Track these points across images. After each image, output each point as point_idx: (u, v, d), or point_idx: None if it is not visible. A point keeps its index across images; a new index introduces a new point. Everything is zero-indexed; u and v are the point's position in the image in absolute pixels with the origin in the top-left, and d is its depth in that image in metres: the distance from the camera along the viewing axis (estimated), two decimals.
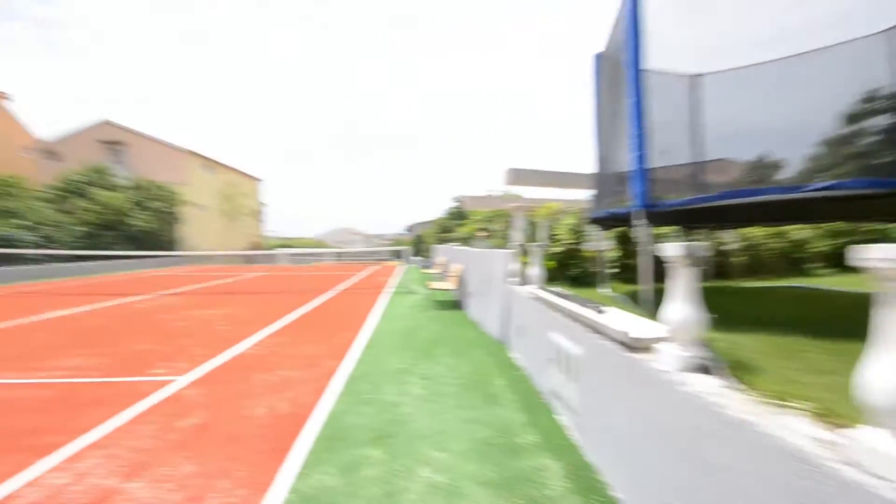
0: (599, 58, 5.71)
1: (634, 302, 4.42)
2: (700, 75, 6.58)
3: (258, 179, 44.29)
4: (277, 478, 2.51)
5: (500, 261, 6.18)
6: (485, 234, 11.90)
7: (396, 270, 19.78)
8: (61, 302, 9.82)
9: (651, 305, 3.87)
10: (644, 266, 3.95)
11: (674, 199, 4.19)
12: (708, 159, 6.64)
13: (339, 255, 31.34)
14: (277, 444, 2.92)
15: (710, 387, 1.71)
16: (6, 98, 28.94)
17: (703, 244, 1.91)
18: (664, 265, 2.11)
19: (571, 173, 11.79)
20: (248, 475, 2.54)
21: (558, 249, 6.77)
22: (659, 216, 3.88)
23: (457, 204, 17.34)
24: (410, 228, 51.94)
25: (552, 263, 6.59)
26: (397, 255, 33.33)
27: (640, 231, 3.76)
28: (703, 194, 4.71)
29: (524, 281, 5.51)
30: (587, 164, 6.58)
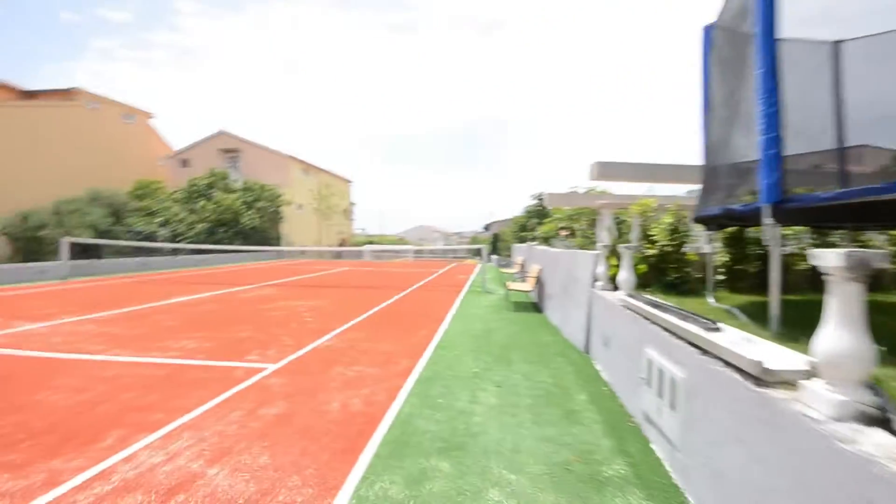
0: (710, 30, 4.93)
1: (752, 317, 3.70)
2: (841, 42, 5.41)
3: (349, 181, 47.34)
4: (344, 480, 2.46)
5: (584, 263, 5.68)
6: (567, 233, 11.21)
7: (474, 269, 19.69)
8: (183, 289, 11.30)
9: (778, 323, 3.18)
10: (773, 274, 3.26)
11: (808, 192, 3.40)
12: (850, 145, 5.45)
13: (418, 252, 32.16)
14: (348, 443, 2.90)
15: (893, 449, 1.24)
16: (151, 116, 34.48)
17: (879, 251, 1.40)
18: (791, 273, 1.62)
19: (669, 165, 10.60)
20: (318, 474, 2.52)
21: (653, 251, 6.03)
22: (792, 214, 3.16)
23: (537, 201, 16.66)
24: (488, 227, 51.66)
25: (643, 267, 5.89)
26: (475, 253, 33.26)
27: (768, 231, 3.09)
28: (847, 187, 3.80)
29: (612, 286, 4.97)
30: (688, 154, 5.75)
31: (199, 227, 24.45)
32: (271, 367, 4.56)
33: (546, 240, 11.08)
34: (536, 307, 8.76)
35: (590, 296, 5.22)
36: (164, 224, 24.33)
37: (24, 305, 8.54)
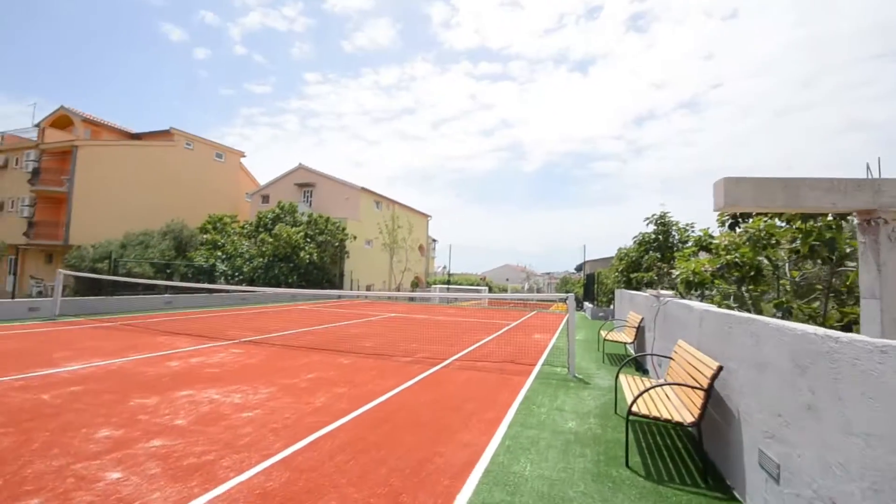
0: None
1: None
2: None
3: (427, 215, 44.99)
4: None
5: None
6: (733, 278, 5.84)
7: (560, 322, 14.30)
8: (93, 350, 8.18)
9: None
10: None
11: None
12: None
13: (491, 296, 27.30)
14: None
15: None
16: (242, 155, 36.01)
17: None
18: None
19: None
20: None
21: None
22: None
23: (656, 227, 11.10)
24: (581, 266, 44.75)
25: None
26: (567, 299, 27.17)
27: None
28: None
29: None
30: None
31: (257, 261, 22.89)
32: None
33: (692, 287, 5.77)
34: (698, 447, 3.58)
35: None
36: (227, 258, 23.33)
37: None
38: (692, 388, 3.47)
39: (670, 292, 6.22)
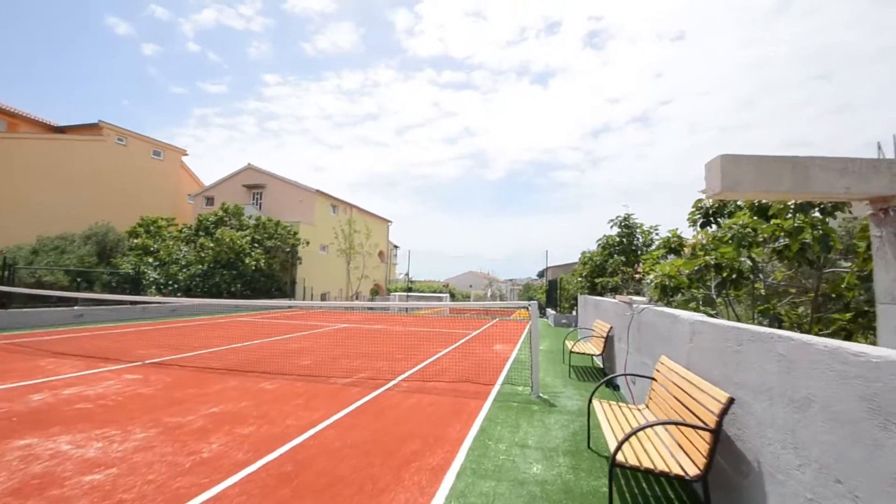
0: None
1: None
2: None
3: (387, 220, 43.65)
4: None
5: None
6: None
7: (523, 331, 13.56)
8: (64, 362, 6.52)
9: None
10: None
11: None
12: None
13: (452, 304, 26.47)
14: None
15: None
16: (184, 154, 33.27)
17: None
18: None
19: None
20: None
21: None
22: None
23: (620, 229, 10.60)
24: (542, 273, 44.89)
25: None
26: (529, 306, 26.71)
27: None
28: None
29: None
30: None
31: (195, 268, 20.75)
32: None
33: (667, 293, 5.06)
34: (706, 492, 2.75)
35: None
36: (160, 265, 20.98)
37: None
38: (692, 427, 2.62)
39: (642, 298, 5.50)
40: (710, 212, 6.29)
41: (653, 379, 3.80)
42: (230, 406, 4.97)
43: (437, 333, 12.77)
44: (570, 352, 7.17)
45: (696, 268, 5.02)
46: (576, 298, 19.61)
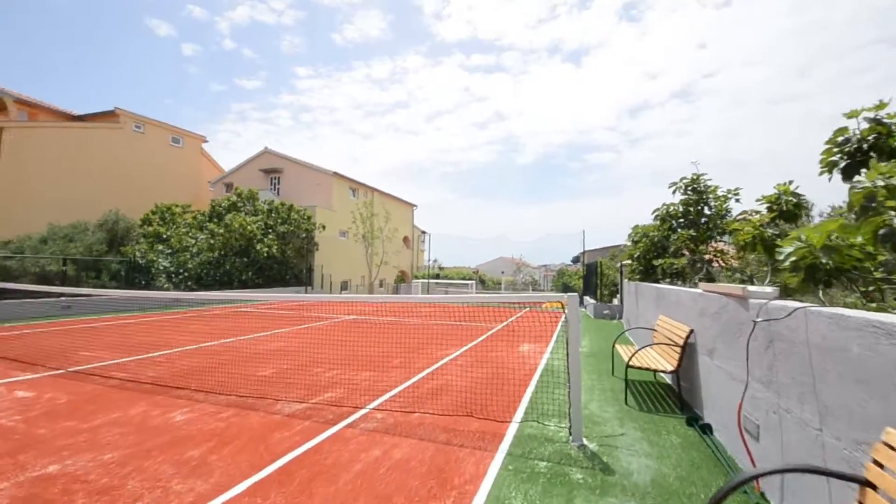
0: None
1: None
2: None
3: (412, 205, 41.82)
4: None
5: None
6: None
7: (556, 323, 11.28)
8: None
9: None
10: None
11: None
12: None
13: (468, 298, 24.35)
14: None
15: None
16: (203, 141, 32.62)
17: None
18: None
19: None
20: None
21: None
22: None
23: (685, 196, 8.07)
24: (578, 258, 41.71)
25: None
26: (566, 292, 24.25)
27: None
28: None
29: None
30: None
31: (205, 256, 19.70)
32: None
33: (815, 276, 2.70)
34: None
35: None
36: (172, 253, 20.10)
37: None
38: None
39: (766, 289, 3.19)
40: (865, 147, 3.80)
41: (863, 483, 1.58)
42: (84, 459, 3.15)
43: (455, 327, 10.74)
44: (627, 366, 4.91)
45: (882, 230, 2.69)
46: (616, 285, 17.04)
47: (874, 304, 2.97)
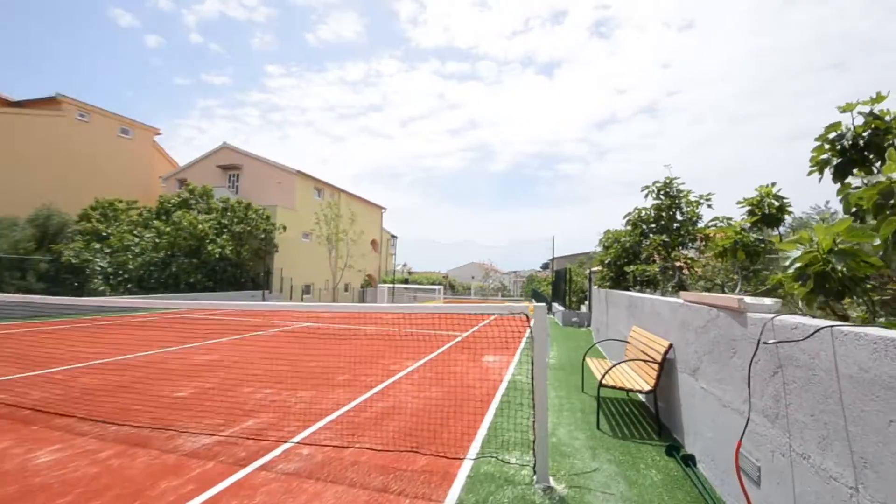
0: None
1: None
2: None
3: (381, 207, 40.79)
4: None
5: None
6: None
7: (524, 332, 10.77)
8: None
9: None
10: None
11: None
12: None
13: (434, 308, 23.74)
14: None
15: None
16: (156, 133, 30.52)
17: None
18: None
19: None
20: None
21: None
22: None
23: (657, 200, 7.73)
24: (547, 264, 41.93)
25: None
26: (536, 297, 24.17)
27: None
28: None
29: None
30: None
31: (149, 256, 18.09)
32: None
33: (825, 286, 2.18)
34: None
35: None
36: (112, 252, 18.33)
37: None
38: None
39: (767, 301, 2.68)
40: (860, 145, 3.41)
41: None
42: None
43: (416, 336, 10.01)
44: (599, 385, 4.34)
45: None
46: (584, 292, 16.81)
47: (882, 320, 2.51)
